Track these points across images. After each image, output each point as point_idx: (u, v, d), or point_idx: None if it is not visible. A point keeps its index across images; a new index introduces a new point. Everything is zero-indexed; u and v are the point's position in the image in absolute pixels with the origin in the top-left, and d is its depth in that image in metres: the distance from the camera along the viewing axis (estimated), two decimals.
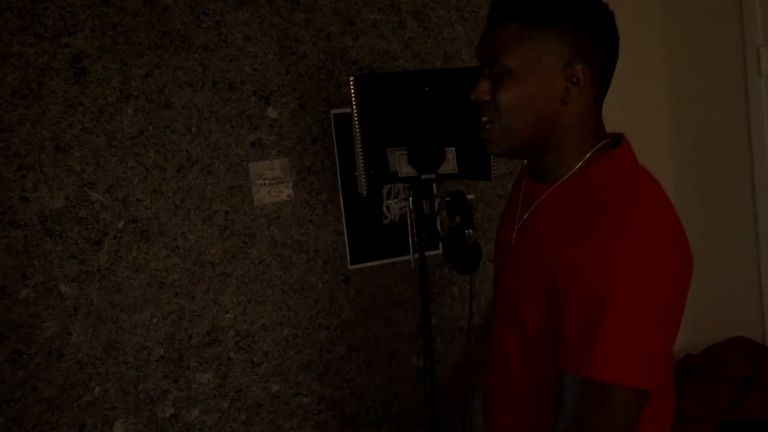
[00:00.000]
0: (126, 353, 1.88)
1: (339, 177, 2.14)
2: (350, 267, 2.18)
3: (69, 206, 1.82)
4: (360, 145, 1.80)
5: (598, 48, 1.05)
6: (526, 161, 1.24)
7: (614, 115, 2.61)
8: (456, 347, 2.35)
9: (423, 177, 1.78)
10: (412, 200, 1.85)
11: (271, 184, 2.05)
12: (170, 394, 1.94)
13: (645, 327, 0.92)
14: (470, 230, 1.75)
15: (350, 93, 1.79)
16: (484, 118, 1.09)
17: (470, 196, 1.79)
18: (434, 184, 1.92)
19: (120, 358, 1.88)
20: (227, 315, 2.01)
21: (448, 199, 1.78)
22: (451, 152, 1.78)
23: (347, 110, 2.01)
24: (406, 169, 1.78)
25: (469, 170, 1.82)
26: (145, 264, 1.90)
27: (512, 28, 1.03)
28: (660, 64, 2.67)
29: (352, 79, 1.78)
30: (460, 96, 1.77)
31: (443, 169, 1.78)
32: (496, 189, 2.37)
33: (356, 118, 1.79)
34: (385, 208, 2.24)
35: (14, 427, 1.75)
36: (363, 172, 1.81)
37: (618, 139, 1.12)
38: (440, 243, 2.11)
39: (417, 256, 1.90)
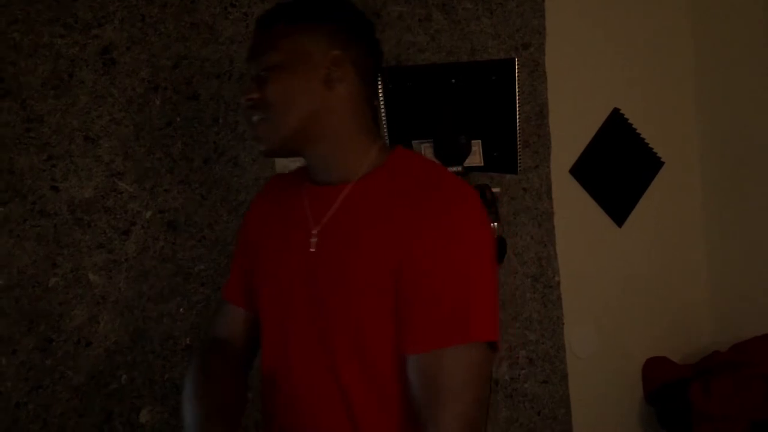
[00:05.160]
0: (153, 342, 1.90)
1: None
2: None
3: (98, 196, 1.84)
4: (386, 138, 1.79)
5: (358, 45, 1.16)
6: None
7: (643, 115, 2.58)
8: None
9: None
10: None
11: None
12: None
13: (495, 296, 1.06)
14: (495, 224, 1.74)
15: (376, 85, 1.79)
16: (254, 118, 1.15)
17: (496, 190, 1.78)
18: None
19: (147, 347, 1.90)
20: None
21: None
22: (477, 145, 1.77)
23: None
24: None
25: (495, 163, 1.81)
26: (172, 254, 1.92)
27: (276, 28, 1.13)
28: (689, 62, 2.63)
29: None
30: (486, 88, 1.77)
31: (469, 161, 1.78)
32: (522, 182, 2.36)
33: (382, 111, 1.78)
34: None
35: (43, 413, 1.77)
36: None
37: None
38: None
39: None
